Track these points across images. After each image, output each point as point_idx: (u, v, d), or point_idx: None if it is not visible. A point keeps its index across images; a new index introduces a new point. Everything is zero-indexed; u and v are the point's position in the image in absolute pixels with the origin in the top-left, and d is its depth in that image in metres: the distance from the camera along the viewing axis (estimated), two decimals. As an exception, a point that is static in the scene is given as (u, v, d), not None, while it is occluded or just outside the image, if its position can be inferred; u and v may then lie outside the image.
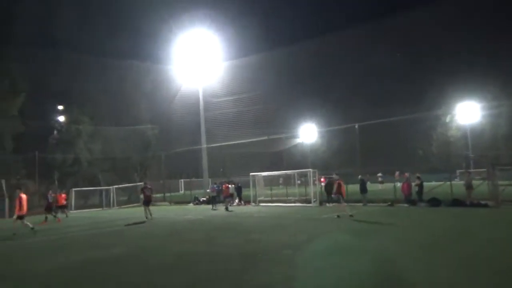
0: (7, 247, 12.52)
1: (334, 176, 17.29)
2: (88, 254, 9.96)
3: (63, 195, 25.10)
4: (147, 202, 19.55)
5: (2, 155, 33.72)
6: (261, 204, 26.01)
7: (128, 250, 10.22)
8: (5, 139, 33.98)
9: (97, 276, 7.62)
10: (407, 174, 22.34)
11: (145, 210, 19.29)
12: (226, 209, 23.29)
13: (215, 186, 27.17)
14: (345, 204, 16.01)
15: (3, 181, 29.06)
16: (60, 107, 41.98)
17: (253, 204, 26.36)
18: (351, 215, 15.15)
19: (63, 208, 24.71)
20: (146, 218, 18.77)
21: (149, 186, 20.63)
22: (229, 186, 25.94)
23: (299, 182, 28.84)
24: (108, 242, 12.05)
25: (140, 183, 37.62)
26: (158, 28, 45.26)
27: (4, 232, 16.93)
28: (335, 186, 16.36)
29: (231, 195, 26.80)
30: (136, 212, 27.21)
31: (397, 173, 30.78)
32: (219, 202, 26.50)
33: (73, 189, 32.59)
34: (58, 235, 14.76)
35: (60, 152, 37.78)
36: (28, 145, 35.52)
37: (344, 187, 16.09)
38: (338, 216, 15.34)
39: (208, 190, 31.34)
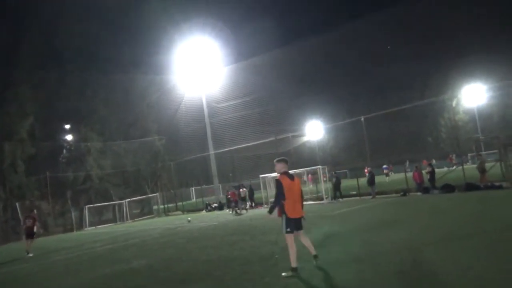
0: (34, 267, 12.76)
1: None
2: (111, 268, 10.07)
3: None
4: (28, 234, 16.29)
5: (15, 178, 34.19)
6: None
7: (148, 262, 10.29)
8: (16, 162, 34.46)
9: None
10: (416, 164, 22.19)
11: (26, 243, 16.20)
12: (235, 213, 24.24)
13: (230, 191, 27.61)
14: None
15: (18, 204, 29.47)
16: (67, 126, 42.34)
17: (265, 206, 26.33)
18: None
19: None
20: (27, 252, 15.72)
21: (32, 216, 17.06)
22: (236, 192, 26.39)
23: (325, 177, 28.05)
24: (128, 255, 12.14)
25: (153, 195, 37.91)
26: (159, 39, 45.47)
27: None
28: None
29: (243, 199, 27.20)
30: (149, 223, 27.42)
31: (450, 156, 31.07)
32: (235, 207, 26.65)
33: (86, 206, 32.78)
34: (77, 252, 14.95)
35: (71, 171, 38.17)
36: (39, 167, 35.94)
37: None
38: None
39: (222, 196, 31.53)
